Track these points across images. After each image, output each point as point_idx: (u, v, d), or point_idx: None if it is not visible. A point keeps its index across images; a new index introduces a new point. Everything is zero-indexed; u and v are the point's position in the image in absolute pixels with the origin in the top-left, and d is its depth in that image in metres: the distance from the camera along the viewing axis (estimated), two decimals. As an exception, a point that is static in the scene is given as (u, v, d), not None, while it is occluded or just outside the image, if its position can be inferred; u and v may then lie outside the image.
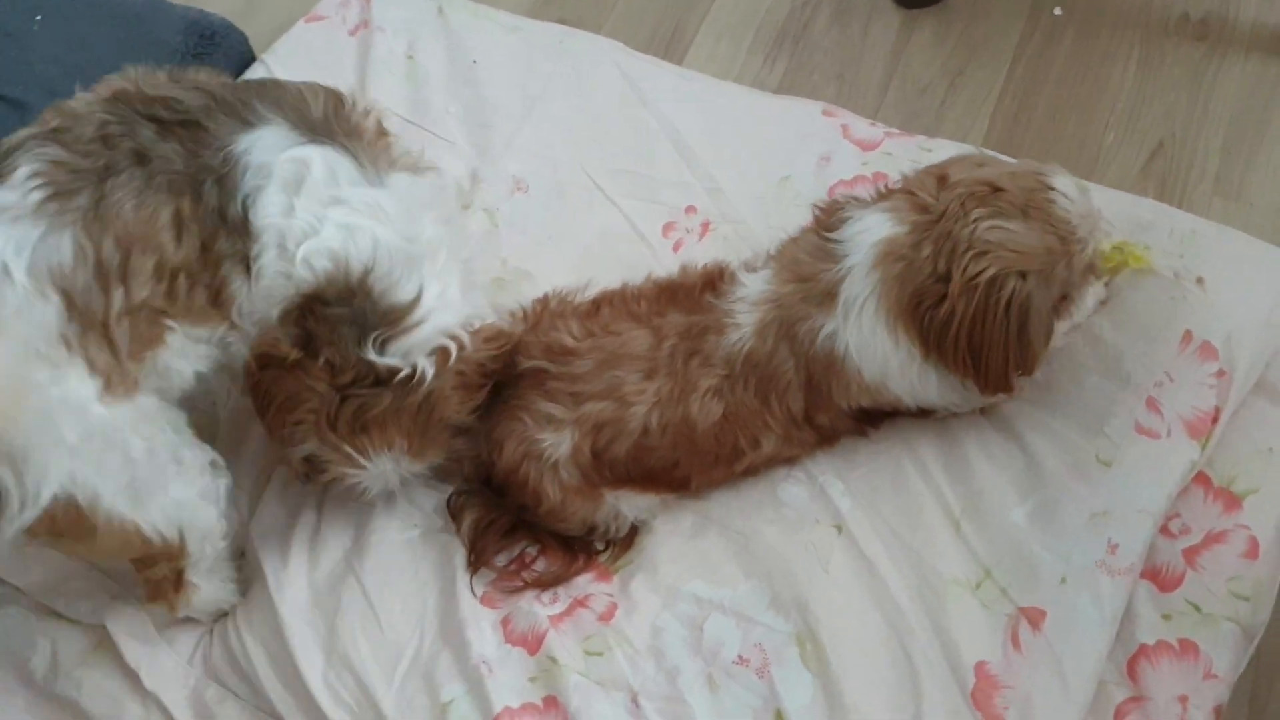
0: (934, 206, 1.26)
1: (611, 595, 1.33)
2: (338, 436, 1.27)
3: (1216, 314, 1.40)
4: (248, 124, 1.25)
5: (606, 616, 1.31)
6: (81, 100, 1.25)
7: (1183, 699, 1.23)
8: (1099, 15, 2.15)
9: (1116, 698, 1.24)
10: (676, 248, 1.64)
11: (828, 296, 1.30)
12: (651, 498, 1.39)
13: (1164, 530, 1.32)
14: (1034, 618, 1.25)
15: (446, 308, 1.27)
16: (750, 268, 1.40)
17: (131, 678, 1.37)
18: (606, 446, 1.33)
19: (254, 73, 1.85)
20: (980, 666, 1.23)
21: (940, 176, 1.29)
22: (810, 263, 1.33)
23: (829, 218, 1.37)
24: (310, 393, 1.25)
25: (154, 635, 1.39)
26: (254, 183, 1.23)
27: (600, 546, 1.40)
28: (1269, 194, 1.88)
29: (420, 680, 1.31)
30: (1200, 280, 1.43)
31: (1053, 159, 1.92)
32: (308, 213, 1.23)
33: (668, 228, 1.66)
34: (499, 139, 1.76)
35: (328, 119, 1.29)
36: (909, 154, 1.66)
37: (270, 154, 1.24)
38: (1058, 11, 2.18)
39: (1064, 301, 1.34)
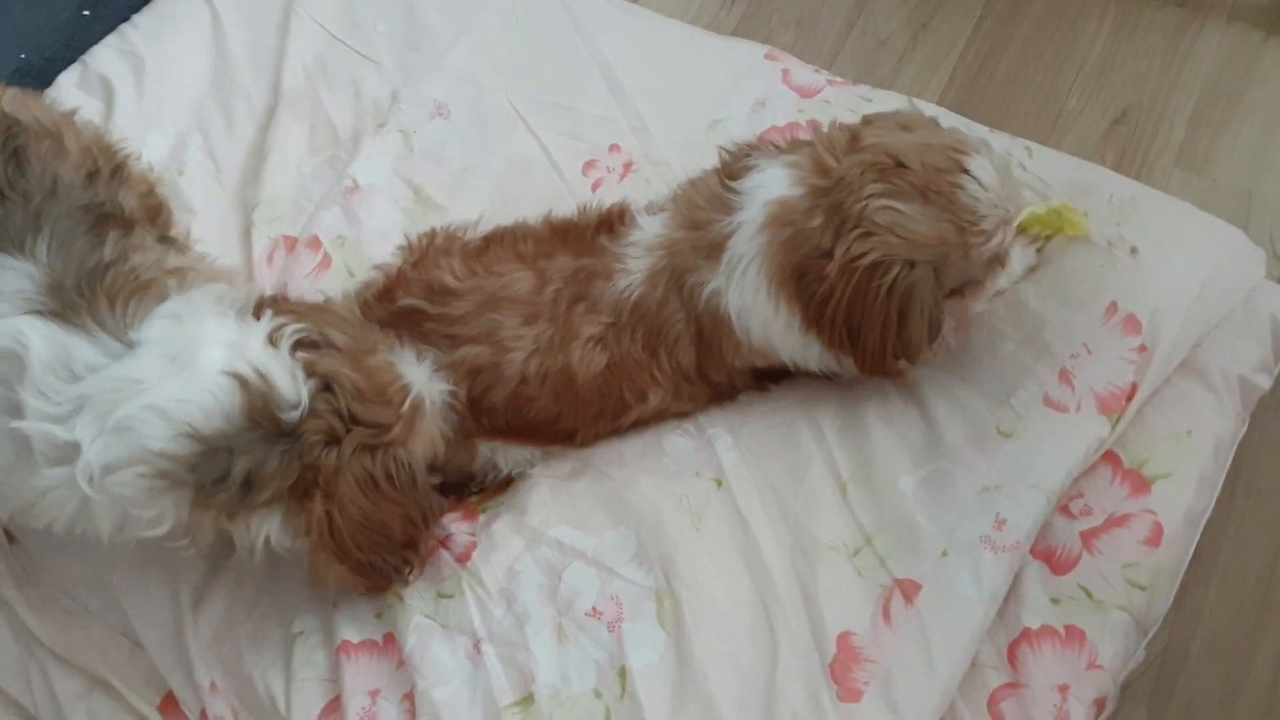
0: (834, 171, 1.18)
1: (473, 534, 1.26)
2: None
3: (1146, 286, 1.32)
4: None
5: (464, 558, 1.24)
6: None
7: (1062, 688, 1.16)
8: (1077, -29, 2.03)
9: (993, 682, 1.18)
10: (595, 187, 1.57)
11: (715, 250, 1.23)
12: (533, 450, 1.33)
13: (1064, 510, 1.25)
14: (908, 590, 1.18)
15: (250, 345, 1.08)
16: (653, 210, 1.33)
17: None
18: (483, 394, 1.26)
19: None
20: (844, 637, 1.16)
21: (853, 135, 1.21)
22: (705, 210, 1.26)
23: (735, 164, 1.29)
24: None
25: None
26: None
27: (473, 489, 1.34)
28: (1234, 170, 1.77)
29: (275, 617, 1.26)
30: (1134, 250, 1.35)
31: (1010, 120, 1.86)
32: (52, 424, 1.02)
33: (588, 165, 1.59)
34: (425, 61, 1.69)
35: (80, 284, 1.07)
36: (848, 103, 1.59)
37: None
38: (1034, -34, 2.06)
39: (970, 285, 1.25)
